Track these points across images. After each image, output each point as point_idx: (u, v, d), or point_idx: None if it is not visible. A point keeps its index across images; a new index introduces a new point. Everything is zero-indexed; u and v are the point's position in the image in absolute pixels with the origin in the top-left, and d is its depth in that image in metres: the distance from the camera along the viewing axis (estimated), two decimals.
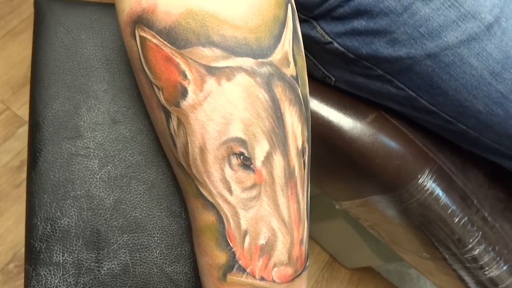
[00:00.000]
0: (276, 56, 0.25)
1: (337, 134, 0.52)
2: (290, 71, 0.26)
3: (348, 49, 0.46)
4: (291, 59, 0.26)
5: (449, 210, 0.53)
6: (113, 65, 0.32)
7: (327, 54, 0.49)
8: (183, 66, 0.24)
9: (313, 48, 0.50)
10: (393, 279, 0.96)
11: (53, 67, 0.31)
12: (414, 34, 0.43)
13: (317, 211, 0.92)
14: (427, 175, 0.53)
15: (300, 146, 0.26)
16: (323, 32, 0.47)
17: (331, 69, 0.51)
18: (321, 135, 0.53)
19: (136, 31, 0.24)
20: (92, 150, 0.30)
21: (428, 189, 0.53)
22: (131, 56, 0.26)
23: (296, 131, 0.26)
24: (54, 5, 0.32)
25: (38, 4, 0.32)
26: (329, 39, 0.47)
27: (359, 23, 0.44)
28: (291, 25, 0.26)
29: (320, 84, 0.54)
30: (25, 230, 0.29)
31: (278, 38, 0.25)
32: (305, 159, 0.27)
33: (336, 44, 0.47)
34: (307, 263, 0.29)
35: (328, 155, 0.55)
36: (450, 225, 0.54)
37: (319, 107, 0.53)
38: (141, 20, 0.24)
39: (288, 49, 0.26)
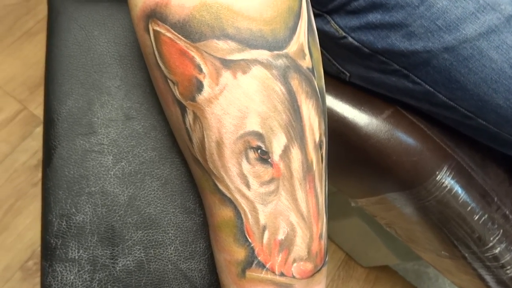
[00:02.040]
0: (291, 48, 0.25)
1: (352, 131, 0.51)
2: (306, 63, 0.25)
3: (363, 43, 0.45)
4: (306, 51, 0.26)
5: (469, 208, 0.52)
6: (126, 61, 0.32)
7: (342, 49, 0.48)
8: (198, 59, 0.23)
9: (327, 43, 0.50)
10: (411, 278, 0.95)
11: (66, 64, 0.31)
12: (431, 27, 0.42)
13: (333, 209, 0.91)
14: (446, 171, 0.52)
15: (317, 139, 0.26)
16: (337, 27, 0.46)
17: (345, 65, 0.51)
18: (336, 132, 0.52)
19: (149, 26, 0.24)
20: (106, 146, 0.30)
21: (446, 186, 0.52)
22: (145, 51, 0.26)
23: (313, 124, 0.26)
24: (67, 2, 0.32)
25: (51, 2, 0.32)
26: (344, 34, 0.46)
27: (374, 17, 0.44)
28: (306, 17, 0.26)
29: (335, 80, 0.53)
30: (41, 227, 0.29)
31: (293, 29, 0.25)
32: (322, 153, 0.27)
33: (350, 39, 0.46)
34: (327, 258, 0.28)
35: (343, 152, 0.54)
36: (470, 223, 0.53)
37: (333, 103, 0.52)
38: (155, 14, 0.24)
39: (303, 41, 0.25)
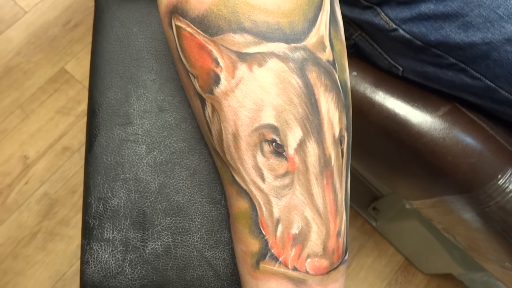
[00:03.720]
0: (310, 40, 0.24)
1: (403, 128, 0.49)
2: (326, 55, 0.25)
3: (415, 36, 0.43)
4: (327, 43, 0.25)
5: None
6: (161, 56, 0.34)
7: (393, 42, 0.46)
8: (215, 53, 0.24)
9: (377, 36, 0.48)
10: None
11: (108, 59, 0.33)
12: (491, 17, 0.38)
13: (391, 211, 0.87)
14: (510, 175, 0.47)
15: (337, 134, 0.25)
16: (387, 19, 0.44)
17: (397, 58, 0.48)
18: (386, 129, 0.50)
19: (172, 21, 0.25)
20: (140, 136, 0.32)
21: (511, 191, 0.47)
22: (170, 46, 0.27)
23: (333, 119, 0.25)
24: (111, 1, 0.35)
25: (97, 1, 0.35)
26: (394, 26, 0.44)
27: (427, 7, 0.41)
28: (328, 8, 0.25)
29: (386, 75, 0.50)
30: (82, 208, 0.32)
31: (313, 21, 0.24)
32: (343, 148, 0.26)
33: (401, 31, 0.44)
34: (346, 256, 0.27)
35: (394, 150, 0.51)
36: None
37: (384, 98, 0.50)
38: (177, 10, 0.25)
39: (324, 33, 0.25)
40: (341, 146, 0.26)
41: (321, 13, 0.25)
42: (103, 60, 0.33)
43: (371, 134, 0.52)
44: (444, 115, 0.48)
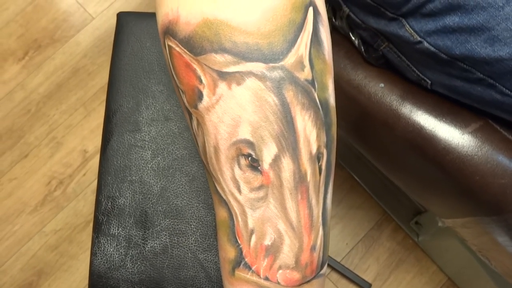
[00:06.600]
0: (288, 60, 0.25)
1: (429, 143, 0.47)
2: (305, 75, 0.25)
3: (440, 49, 0.41)
4: (306, 63, 0.26)
5: None
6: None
7: (420, 55, 0.45)
8: (199, 71, 0.26)
9: (404, 48, 0.46)
10: None
11: (123, 71, 0.36)
12: None
13: (434, 227, 0.83)
14: None
15: (314, 151, 0.26)
16: (412, 31, 0.43)
17: (425, 71, 0.47)
18: (411, 144, 0.48)
19: (165, 41, 0.27)
20: (147, 143, 0.35)
21: None
22: (166, 63, 0.29)
23: (310, 136, 0.26)
24: (129, 17, 0.38)
25: (118, 17, 0.38)
26: (419, 38, 0.43)
27: (452, 20, 0.39)
28: (310, 28, 0.26)
29: (415, 87, 0.49)
30: (94, 204, 0.35)
31: (292, 42, 0.25)
32: (321, 165, 0.27)
33: (426, 44, 0.42)
34: (322, 271, 0.28)
35: (420, 166, 0.50)
36: None
37: (411, 111, 0.48)
38: (168, 31, 0.27)
39: (303, 53, 0.25)
40: (319, 163, 0.26)
41: (301, 33, 0.25)
42: (119, 71, 0.36)
43: (397, 148, 0.51)
44: (475, 131, 0.46)
